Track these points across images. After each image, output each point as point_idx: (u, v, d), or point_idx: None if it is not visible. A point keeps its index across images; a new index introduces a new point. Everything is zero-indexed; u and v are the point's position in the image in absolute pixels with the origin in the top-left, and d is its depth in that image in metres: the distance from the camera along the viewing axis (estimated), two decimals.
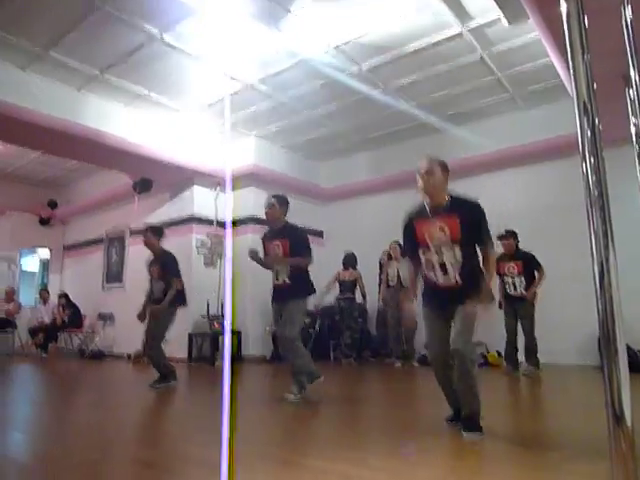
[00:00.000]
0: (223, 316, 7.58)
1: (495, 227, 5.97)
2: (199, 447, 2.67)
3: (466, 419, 2.56)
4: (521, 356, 5.64)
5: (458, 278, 2.63)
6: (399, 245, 6.53)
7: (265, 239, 4.19)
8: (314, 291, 4.14)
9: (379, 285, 7.17)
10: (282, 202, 4.09)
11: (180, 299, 4.92)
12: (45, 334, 8.97)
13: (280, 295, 4.00)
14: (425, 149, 7.71)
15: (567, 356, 6.29)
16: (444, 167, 2.75)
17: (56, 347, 9.07)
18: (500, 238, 5.73)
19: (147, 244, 5.03)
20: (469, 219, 2.63)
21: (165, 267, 4.89)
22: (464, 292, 2.61)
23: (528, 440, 2.61)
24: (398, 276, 6.64)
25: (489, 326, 6.32)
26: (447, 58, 5.66)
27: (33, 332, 9.20)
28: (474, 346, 2.65)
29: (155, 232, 5.07)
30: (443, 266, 2.65)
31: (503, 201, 7.05)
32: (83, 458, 2.44)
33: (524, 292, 5.56)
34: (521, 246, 5.78)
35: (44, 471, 2.26)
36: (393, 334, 6.77)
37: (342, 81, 6.07)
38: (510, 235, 5.68)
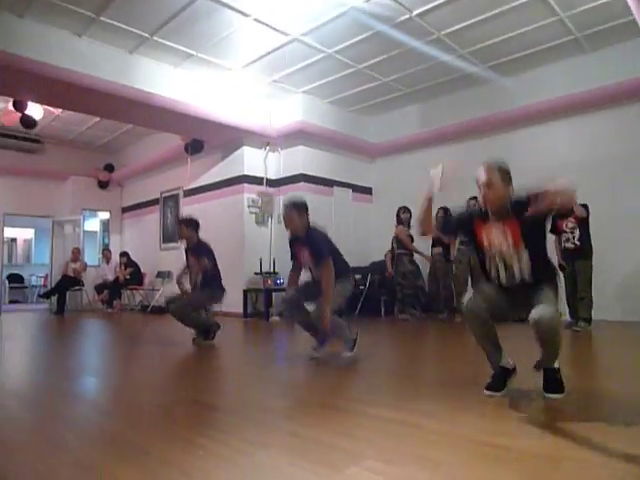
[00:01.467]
0: (275, 273, 7.78)
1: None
2: (261, 395, 2.82)
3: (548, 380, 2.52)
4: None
5: (528, 278, 2.50)
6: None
7: (291, 244, 3.94)
8: (349, 271, 3.92)
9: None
10: (301, 210, 3.76)
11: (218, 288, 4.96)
12: (109, 291, 9.53)
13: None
14: (478, 99, 7.47)
15: (618, 313, 6.12)
16: (505, 175, 2.60)
17: (120, 303, 9.63)
18: None
19: (182, 236, 5.04)
20: (530, 220, 2.43)
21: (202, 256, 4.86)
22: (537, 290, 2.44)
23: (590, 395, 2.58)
24: None
25: None
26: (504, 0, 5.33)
27: (98, 289, 9.80)
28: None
29: (189, 224, 4.97)
30: (509, 268, 2.53)
31: (561, 151, 6.75)
32: (151, 401, 2.63)
33: (578, 243, 5.43)
34: (581, 199, 5.55)
35: (119, 411, 2.46)
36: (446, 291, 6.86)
37: (390, 31, 5.85)
38: None
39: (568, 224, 5.54)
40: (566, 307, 5.67)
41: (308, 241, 3.71)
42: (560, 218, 5.60)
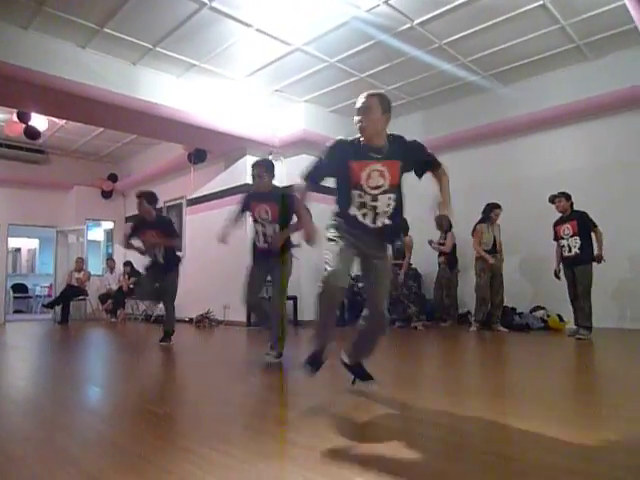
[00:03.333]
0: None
1: (555, 187, 5.81)
2: (263, 404, 2.79)
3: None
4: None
5: (387, 221, 2.55)
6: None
7: (252, 200, 4.09)
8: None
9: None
10: (270, 169, 4.05)
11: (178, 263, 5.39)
12: (113, 301, 9.53)
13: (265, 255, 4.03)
14: (480, 107, 7.49)
15: (622, 320, 6.08)
16: (384, 102, 2.60)
17: (124, 313, 9.63)
18: (552, 200, 5.59)
19: (142, 212, 5.14)
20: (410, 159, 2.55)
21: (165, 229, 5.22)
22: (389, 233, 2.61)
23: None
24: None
25: (550, 290, 6.18)
26: (505, 8, 5.35)
27: (102, 299, 9.81)
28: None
29: (151, 199, 5.17)
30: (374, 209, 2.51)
31: (564, 159, 6.75)
32: (154, 410, 2.61)
33: (578, 252, 5.39)
34: (584, 206, 5.57)
35: (121, 421, 2.44)
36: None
37: (392, 40, 5.88)
38: (562, 196, 5.52)
39: (565, 230, 5.52)
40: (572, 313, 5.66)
41: (276, 199, 3.93)
42: (559, 224, 5.61)
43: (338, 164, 2.51)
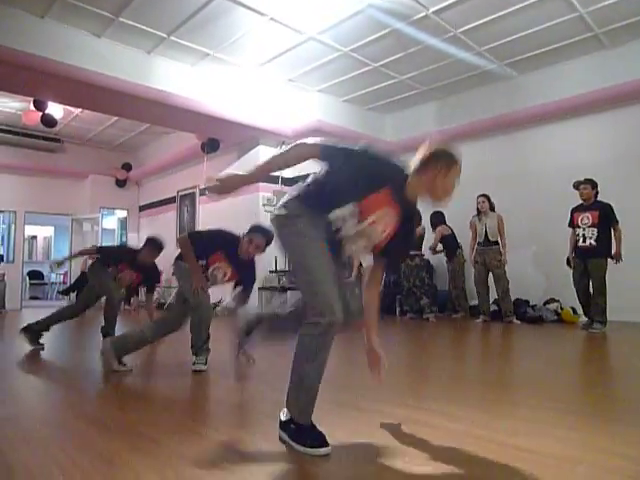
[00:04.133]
0: (290, 271, 7.80)
1: (570, 179, 5.71)
2: (276, 392, 2.83)
3: None
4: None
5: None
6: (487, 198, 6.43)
7: None
8: None
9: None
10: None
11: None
12: (127, 289, 9.61)
13: None
14: (495, 97, 7.40)
15: (633, 314, 6.00)
16: None
17: (137, 301, 9.73)
18: (577, 186, 5.45)
19: (148, 258, 4.79)
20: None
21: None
22: None
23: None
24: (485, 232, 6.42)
25: (563, 282, 6.13)
26: None
27: None
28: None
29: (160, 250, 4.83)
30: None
31: (579, 151, 6.65)
32: (167, 396, 2.65)
33: (594, 244, 5.26)
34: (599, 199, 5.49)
35: (135, 406, 2.49)
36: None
37: (407, 29, 5.82)
38: (588, 183, 5.37)
39: (584, 219, 5.38)
40: (580, 306, 5.60)
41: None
42: (578, 211, 5.46)
43: None
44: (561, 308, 6.35)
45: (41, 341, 4.35)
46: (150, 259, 4.71)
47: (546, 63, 6.80)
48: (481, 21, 5.72)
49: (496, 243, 6.32)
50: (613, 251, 5.30)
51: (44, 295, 13.70)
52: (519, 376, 3.28)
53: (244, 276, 3.64)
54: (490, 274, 6.35)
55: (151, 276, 4.85)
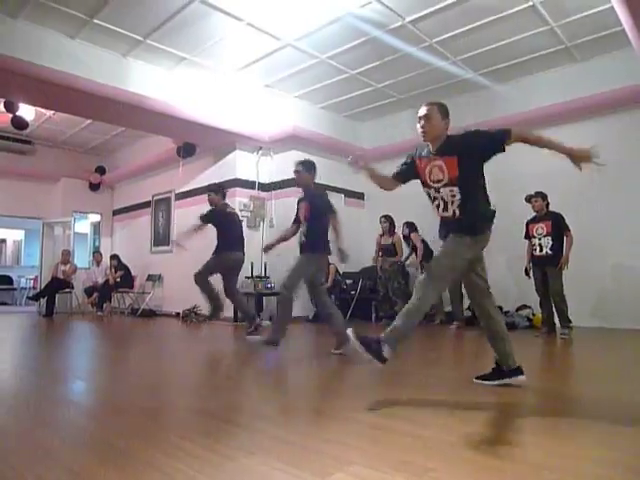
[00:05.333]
0: (266, 277, 7.77)
1: (540, 186, 5.86)
2: (249, 400, 2.80)
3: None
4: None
5: (457, 212, 2.72)
6: None
7: (298, 202, 4.50)
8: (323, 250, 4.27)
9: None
10: (308, 167, 4.35)
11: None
12: (99, 294, 9.45)
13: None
14: (471, 106, 7.52)
15: (620, 320, 6.17)
16: (442, 109, 2.85)
17: (110, 306, 9.56)
18: (529, 199, 5.68)
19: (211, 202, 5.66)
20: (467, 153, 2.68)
21: None
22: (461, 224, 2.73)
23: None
24: None
25: (534, 289, 6.24)
26: (495, 9, 5.37)
27: (88, 292, 9.72)
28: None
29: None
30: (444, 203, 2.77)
31: (550, 159, 6.79)
32: (138, 404, 2.61)
33: (550, 252, 5.47)
34: (562, 206, 5.69)
35: (104, 415, 2.44)
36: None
37: (384, 37, 5.89)
38: (539, 195, 5.63)
39: (538, 229, 5.61)
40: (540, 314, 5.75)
41: (310, 199, 4.29)
42: (532, 222, 5.72)
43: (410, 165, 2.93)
44: (533, 314, 6.47)
45: None
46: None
47: (519, 74, 6.97)
48: (456, 32, 5.83)
49: None
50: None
51: (13, 301, 13.32)
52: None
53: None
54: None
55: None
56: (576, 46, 6.20)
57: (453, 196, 2.71)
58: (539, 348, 4.97)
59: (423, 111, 2.80)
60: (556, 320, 5.55)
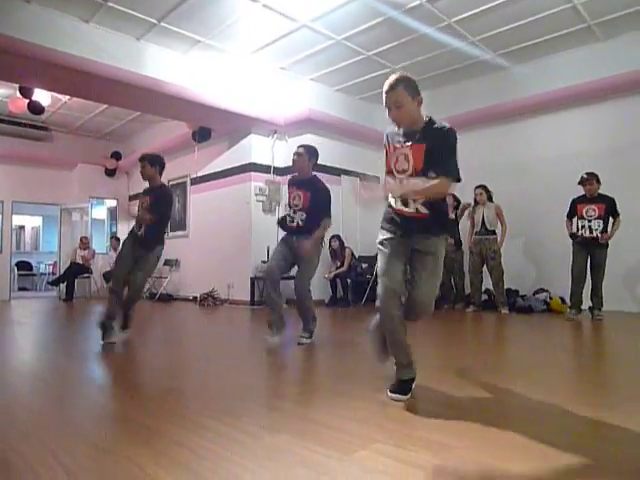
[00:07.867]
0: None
1: (561, 170, 5.74)
2: (268, 380, 2.82)
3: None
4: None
5: (421, 209, 2.29)
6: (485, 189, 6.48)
7: (289, 184, 4.13)
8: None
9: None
10: (311, 153, 4.02)
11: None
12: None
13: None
14: (488, 87, 7.39)
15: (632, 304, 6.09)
16: (411, 87, 2.43)
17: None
18: (582, 181, 5.54)
19: (144, 176, 4.28)
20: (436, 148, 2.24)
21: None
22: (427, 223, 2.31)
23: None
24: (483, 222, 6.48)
25: (552, 272, 6.19)
26: None
27: (106, 277, 9.85)
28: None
29: (154, 162, 4.27)
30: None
31: (572, 141, 6.68)
32: (161, 385, 2.64)
33: (600, 235, 5.40)
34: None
35: (129, 395, 2.47)
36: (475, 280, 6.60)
37: (400, 17, 5.78)
38: (593, 177, 5.52)
39: (589, 211, 5.51)
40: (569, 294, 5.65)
41: (311, 187, 3.94)
42: (582, 202, 5.58)
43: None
44: (550, 298, 6.41)
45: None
46: (154, 175, 4.23)
47: (540, 54, 6.80)
48: (475, 11, 5.69)
49: (494, 232, 6.39)
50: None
51: (33, 286, 13.56)
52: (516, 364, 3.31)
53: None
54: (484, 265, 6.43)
55: (159, 194, 4.26)
56: (598, 24, 6.01)
57: None
58: (598, 333, 4.88)
59: (390, 97, 2.39)
60: (587, 302, 5.51)
